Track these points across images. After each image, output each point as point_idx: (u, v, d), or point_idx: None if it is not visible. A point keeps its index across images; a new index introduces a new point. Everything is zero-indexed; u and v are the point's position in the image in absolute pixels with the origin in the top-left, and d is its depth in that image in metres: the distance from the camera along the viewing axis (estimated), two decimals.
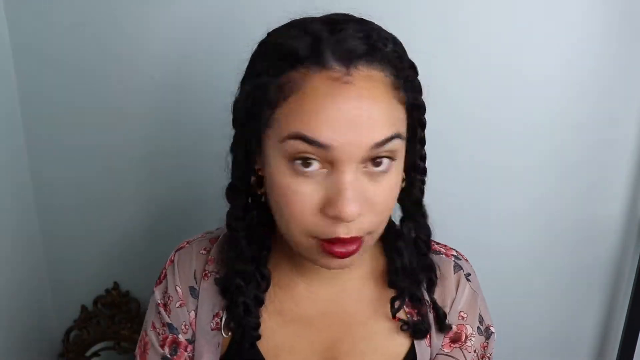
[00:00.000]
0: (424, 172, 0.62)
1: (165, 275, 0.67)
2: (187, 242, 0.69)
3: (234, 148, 0.60)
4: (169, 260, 0.68)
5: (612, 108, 0.97)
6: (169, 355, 0.65)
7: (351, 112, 0.48)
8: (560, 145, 1.00)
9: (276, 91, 0.51)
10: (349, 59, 0.49)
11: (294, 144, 0.50)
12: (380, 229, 0.56)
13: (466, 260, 0.69)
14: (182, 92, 1.05)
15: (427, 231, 0.64)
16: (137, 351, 0.68)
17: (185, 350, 0.65)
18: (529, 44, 0.95)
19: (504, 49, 0.95)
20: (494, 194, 1.04)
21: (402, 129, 0.52)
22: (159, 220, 1.16)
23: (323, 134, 0.48)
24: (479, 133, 1.00)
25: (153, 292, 0.68)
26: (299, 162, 0.50)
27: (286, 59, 0.51)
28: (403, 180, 0.59)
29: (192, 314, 0.65)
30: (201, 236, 0.70)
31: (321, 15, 0.56)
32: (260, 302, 0.63)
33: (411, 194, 0.61)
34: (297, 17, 0.56)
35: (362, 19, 0.55)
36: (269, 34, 0.56)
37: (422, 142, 0.61)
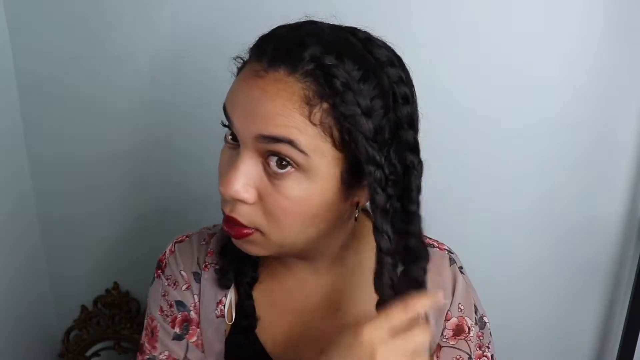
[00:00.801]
0: (418, 189, 0.57)
1: (167, 264, 0.69)
2: (186, 236, 0.71)
3: None
4: (168, 251, 0.70)
5: (611, 108, 0.97)
6: (180, 333, 0.66)
7: (248, 98, 0.52)
8: (559, 145, 1.00)
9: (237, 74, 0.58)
10: (273, 61, 0.52)
11: (224, 114, 0.56)
12: (276, 235, 0.55)
13: (456, 254, 0.71)
14: (182, 92, 1.05)
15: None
16: (144, 339, 0.69)
17: (198, 327, 0.67)
18: (528, 44, 0.95)
19: (503, 49, 0.95)
20: (494, 194, 1.04)
21: (301, 141, 0.51)
22: (159, 220, 1.16)
23: (230, 109, 0.54)
24: (478, 133, 1.00)
25: (154, 279, 0.70)
26: (228, 130, 0.56)
27: (249, 54, 0.57)
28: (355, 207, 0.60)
29: (196, 297, 0.67)
30: (199, 231, 0.72)
31: (320, 20, 0.57)
32: (254, 281, 0.66)
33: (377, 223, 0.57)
34: (294, 16, 0.58)
35: (365, 40, 0.55)
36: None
37: (377, 179, 0.54)
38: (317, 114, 0.51)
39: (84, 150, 1.12)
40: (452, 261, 0.68)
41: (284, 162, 0.52)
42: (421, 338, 0.50)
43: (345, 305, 0.66)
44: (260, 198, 0.53)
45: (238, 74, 0.57)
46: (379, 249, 0.55)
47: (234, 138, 0.55)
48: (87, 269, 1.22)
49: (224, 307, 0.66)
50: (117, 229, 1.18)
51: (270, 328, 0.66)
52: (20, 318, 1.16)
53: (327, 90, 0.51)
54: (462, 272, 0.68)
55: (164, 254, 0.70)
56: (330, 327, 0.65)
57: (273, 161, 0.52)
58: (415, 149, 0.56)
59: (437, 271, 0.66)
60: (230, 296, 0.67)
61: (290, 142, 0.51)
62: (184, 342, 0.66)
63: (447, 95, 0.98)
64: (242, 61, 0.58)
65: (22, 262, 1.16)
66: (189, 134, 1.08)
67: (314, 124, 0.51)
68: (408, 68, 0.59)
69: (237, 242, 0.58)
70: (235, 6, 0.98)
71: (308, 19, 0.57)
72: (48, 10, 1.03)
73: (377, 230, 0.55)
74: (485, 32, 0.95)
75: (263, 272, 0.67)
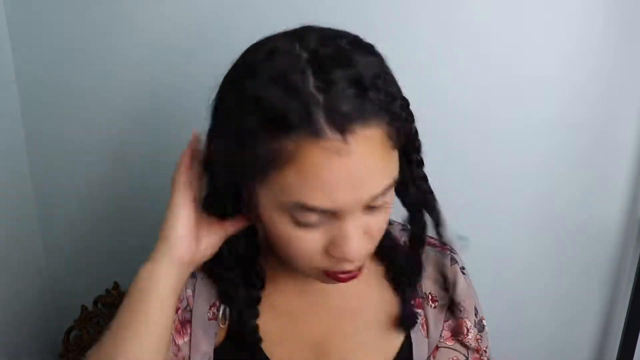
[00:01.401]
0: (430, 192, 0.62)
1: None
2: None
3: (215, 169, 0.60)
4: None
5: (611, 108, 0.97)
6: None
7: (351, 178, 0.48)
8: (559, 145, 1.00)
9: (267, 156, 0.49)
10: (344, 126, 0.47)
11: (295, 210, 0.50)
12: (374, 248, 0.58)
13: (458, 255, 0.71)
14: (182, 92, 1.05)
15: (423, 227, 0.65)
16: None
17: (180, 323, 0.66)
18: (528, 44, 0.95)
19: (503, 49, 0.95)
20: (494, 195, 1.04)
21: (397, 170, 0.53)
22: (159, 220, 1.15)
23: (324, 203, 0.49)
24: (477, 133, 1.00)
25: None
26: (301, 219, 0.51)
27: (275, 122, 0.48)
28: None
29: (189, 291, 0.66)
30: None
31: (298, 27, 0.53)
32: (257, 301, 0.64)
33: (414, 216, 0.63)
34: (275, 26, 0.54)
35: (359, 48, 0.52)
36: (249, 72, 0.51)
37: (420, 163, 0.61)
38: (395, 138, 0.51)
39: (84, 150, 1.12)
40: (453, 261, 0.68)
41: (379, 199, 0.52)
42: None
43: (344, 310, 0.66)
44: (367, 234, 0.54)
45: (283, 160, 0.48)
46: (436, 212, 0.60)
47: (307, 223, 0.51)
48: (87, 269, 1.22)
49: (217, 311, 0.66)
50: (117, 229, 1.18)
51: (264, 330, 0.65)
52: (20, 318, 1.16)
53: (391, 111, 0.50)
54: (463, 273, 0.68)
55: None
56: (328, 331, 0.65)
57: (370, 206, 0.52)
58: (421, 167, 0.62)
59: (439, 271, 0.67)
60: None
61: (394, 180, 0.52)
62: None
63: (445, 96, 0.98)
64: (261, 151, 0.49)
65: (22, 262, 1.16)
66: (190, 134, 1.07)
67: (396, 148, 0.52)
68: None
69: (340, 284, 0.57)
70: (235, 6, 0.98)
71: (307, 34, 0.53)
72: (48, 11, 1.03)
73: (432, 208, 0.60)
74: (485, 32, 0.95)
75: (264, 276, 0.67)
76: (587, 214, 1.03)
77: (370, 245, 0.55)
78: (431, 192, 0.62)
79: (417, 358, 0.65)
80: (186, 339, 0.65)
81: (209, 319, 0.66)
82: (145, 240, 1.17)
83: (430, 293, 0.67)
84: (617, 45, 0.93)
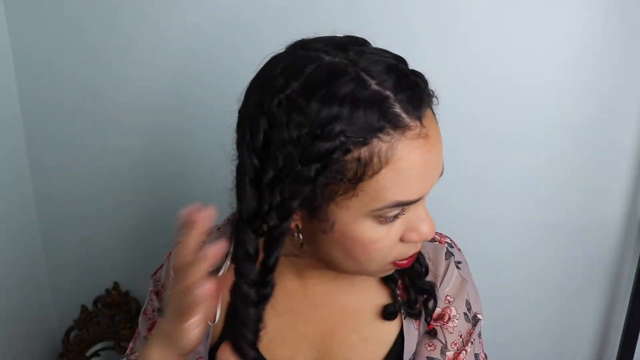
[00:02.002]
0: None
1: (162, 265, 0.70)
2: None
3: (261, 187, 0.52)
4: (167, 253, 0.71)
5: (611, 110, 0.97)
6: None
7: (434, 162, 0.51)
8: (560, 148, 1.00)
9: (358, 166, 0.47)
10: (418, 111, 0.49)
11: (389, 210, 0.50)
12: None
13: (459, 249, 0.71)
14: (182, 92, 1.05)
15: None
16: (135, 333, 0.69)
17: None
18: (528, 49, 0.94)
19: (504, 55, 0.95)
20: (494, 196, 1.04)
21: None
22: (159, 220, 1.16)
23: (421, 192, 0.51)
24: (478, 137, 1.00)
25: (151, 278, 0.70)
26: (382, 217, 0.51)
27: (360, 132, 0.46)
28: None
29: None
30: None
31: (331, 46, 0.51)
32: (259, 320, 0.57)
33: None
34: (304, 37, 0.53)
35: (385, 55, 0.52)
36: (303, 96, 0.47)
37: None
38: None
39: (84, 151, 1.12)
40: (448, 254, 0.68)
41: None
42: None
43: (345, 308, 0.66)
44: None
45: (380, 164, 0.47)
46: None
47: (388, 219, 0.51)
48: (87, 269, 1.22)
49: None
50: (117, 229, 1.18)
51: (265, 330, 0.62)
52: (20, 318, 1.16)
53: (430, 90, 0.54)
54: (458, 267, 0.68)
55: (165, 257, 0.71)
56: (330, 330, 0.65)
57: None
58: None
59: (434, 263, 0.68)
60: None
61: None
62: None
63: (444, 100, 0.97)
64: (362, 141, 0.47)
65: (22, 263, 1.16)
66: (189, 135, 1.08)
67: None
68: None
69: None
70: (238, 9, 0.98)
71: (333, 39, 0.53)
72: (49, 16, 1.03)
73: None
74: (485, 34, 0.95)
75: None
76: (587, 214, 1.03)
77: None
78: None
79: (408, 349, 0.65)
80: None
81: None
82: (145, 240, 1.17)
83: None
84: (618, 48, 0.93)
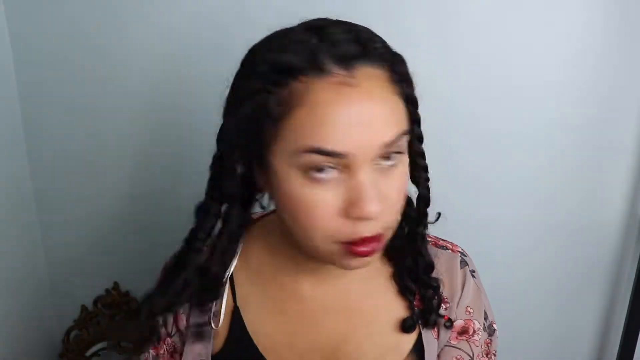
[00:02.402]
0: (425, 169, 0.63)
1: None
2: None
3: (218, 169, 0.61)
4: (168, 258, 0.71)
5: (611, 111, 0.97)
6: (155, 344, 0.67)
7: (361, 115, 0.49)
8: (560, 148, 1.00)
9: (278, 105, 0.50)
10: (348, 61, 0.49)
11: (308, 157, 0.49)
12: (394, 222, 0.56)
13: (469, 257, 0.70)
14: (181, 92, 1.05)
15: (424, 227, 0.65)
16: None
17: (168, 340, 0.66)
18: (528, 49, 0.95)
19: (504, 55, 0.95)
20: (495, 197, 1.04)
21: (406, 124, 0.53)
22: (159, 220, 1.16)
23: (338, 144, 0.48)
24: (478, 137, 1.00)
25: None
26: (313, 171, 0.50)
27: (283, 72, 0.50)
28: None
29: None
30: None
31: (299, 23, 0.55)
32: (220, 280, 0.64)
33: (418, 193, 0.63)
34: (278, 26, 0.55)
35: (342, 21, 0.54)
36: (252, 51, 0.55)
37: (420, 139, 0.61)
38: (399, 87, 0.52)
39: (84, 150, 1.12)
40: (463, 263, 0.67)
41: (391, 155, 0.52)
42: None
43: (358, 314, 0.65)
44: (382, 197, 0.52)
45: (293, 103, 0.49)
46: (424, 201, 0.60)
47: (320, 170, 0.50)
48: (87, 269, 1.22)
49: (210, 312, 0.65)
50: (117, 230, 1.18)
51: (272, 336, 0.64)
52: (20, 318, 1.16)
53: (393, 60, 0.53)
54: (473, 276, 0.67)
55: (164, 264, 0.71)
56: (341, 335, 0.64)
57: (383, 159, 0.51)
58: (422, 143, 0.62)
59: (448, 272, 0.66)
60: (221, 302, 0.65)
61: (405, 132, 0.52)
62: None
63: (445, 100, 0.98)
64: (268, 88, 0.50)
65: (22, 262, 1.16)
66: (188, 135, 1.08)
67: (402, 99, 0.53)
68: None
69: (362, 261, 0.54)
70: (240, 6, 0.98)
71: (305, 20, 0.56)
72: (48, 12, 1.03)
73: (424, 183, 0.60)
74: (485, 34, 0.95)
75: (275, 280, 0.66)
76: (587, 214, 1.03)
77: (389, 213, 0.53)
78: (426, 171, 0.63)
79: (428, 359, 0.64)
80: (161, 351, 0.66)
81: (205, 324, 0.65)
82: (145, 240, 1.17)
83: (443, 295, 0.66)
84: (618, 48, 0.93)
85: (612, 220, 1.03)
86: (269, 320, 0.64)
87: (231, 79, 0.56)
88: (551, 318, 1.11)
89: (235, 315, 0.65)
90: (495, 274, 1.07)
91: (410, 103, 0.55)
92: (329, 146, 0.48)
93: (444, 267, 0.66)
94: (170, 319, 0.66)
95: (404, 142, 0.52)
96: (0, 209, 1.09)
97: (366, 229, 0.51)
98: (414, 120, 0.57)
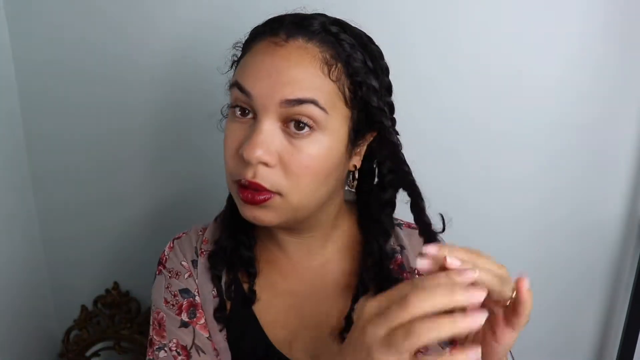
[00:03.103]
0: (395, 159, 0.64)
1: (168, 259, 0.71)
2: (183, 233, 0.74)
3: None
4: (167, 248, 0.73)
5: (611, 111, 0.97)
6: (187, 320, 0.68)
7: (273, 67, 0.57)
8: (560, 148, 1.00)
9: (242, 52, 0.63)
10: (291, 32, 0.58)
11: (233, 91, 0.59)
12: (295, 195, 0.59)
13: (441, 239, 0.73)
14: (181, 93, 1.05)
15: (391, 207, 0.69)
16: (152, 333, 0.69)
17: (203, 312, 0.68)
18: (528, 49, 0.94)
19: (503, 55, 0.95)
20: (494, 197, 1.04)
21: (323, 100, 0.57)
22: (159, 220, 1.16)
23: (248, 82, 0.57)
24: (478, 137, 1.00)
25: (155, 277, 0.71)
26: (236, 108, 0.60)
27: (256, 32, 0.62)
28: (356, 178, 0.67)
29: (197, 281, 0.69)
30: (193, 228, 0.75)
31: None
32: (250, 260, 0.69)
33: (382, 181, 0.67)
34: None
35: (337, 19, 0.62)
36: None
37: (383, 127, 0.63)
38: (335, 72, 0.58)
39: (83, 151, 1.12)
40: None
41: (302, 124, 0.57)
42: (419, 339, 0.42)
43: (337, 289, 0.68)
44: (281, 160, 0.57)
45: (245, 52, 0.61)
46: (408, 181, 0.62)
47: (243, 113, 0.59)
48: (87, 269, 1.22)
49: (221, 287, 0.69)
50: (117, 230, 1.18)
51: (268, 309, 0.68)
52: (20, 318, 1.16)
53: (340, 51, 0.59)
54: None
55: (164, 253, 0.73)
56: (325, 308, 0.67)
57: (293, 124, 0.57)
58: (392, 111, 0.66)
59: (413, 247, 0.70)
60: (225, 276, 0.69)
61: (314, 102, 0.56)
62: (190, 329, 0.67)
63: (445, 99, 0.98)
64: (240, 45, 0.64)
65: (22, 263, 1.16)
66: (186, 138, 1.08)
67: (333, 81, 0.58)
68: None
69: (251, 211, 0.60)
70: (238, 5, 0.98)
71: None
72: (49, 16, 1.03)
73: (400, 161, 0.62)
74: (485, 34, 0.95)
75: (260, 258, 0.70)
76: (587, 214, 1.03)
77: (282, 177, 0.58)
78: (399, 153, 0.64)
79: None
80: (201, 321, 0.68)
81: (214, 297, 0.68)
82: (146, 240, 1.17)
83: (416, 269, 0.68)
84: (618, 48, 0.93)
85: (612, 220, 1.03)
86: (263, 295, 0.69)
87: None
88: (551, 318, 1.11)
89: (236, 285, 0.70)
90: None
91: (358, 88, 0.60)
92: (242, 81, 0.58)
93: (407, 241, 0.71)
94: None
95: (316, 115, 0.57)
96: (0, 209, 1.09)
97: (248, 173, 0.58)
98: (362, 105, 0.61)
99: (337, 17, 0.63)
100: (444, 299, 0.41)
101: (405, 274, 0.69)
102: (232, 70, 0.65)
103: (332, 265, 0.69)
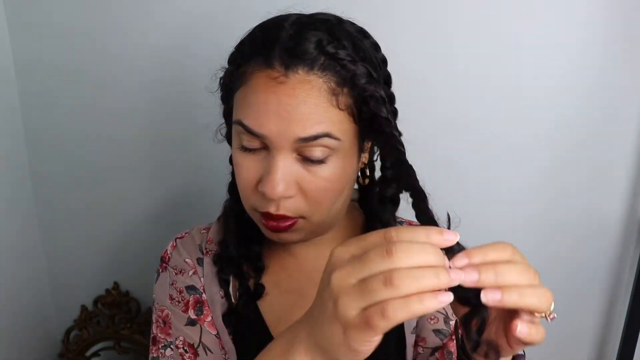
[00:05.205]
0: (400, 164, 0.60)
1: (170, 257, 0.71)
2: (186, 232, 0.74)
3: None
4: (169, 247, 0.72)
5: (611, 111, 0.97)
6: (195, 317, 0.67)
7: (280, 106, 0.55)
8: (560, 149, 1.00)
9: (235, 80, 0.59)
10: (288, 63, 0.55)
11: (238, 128, 0.58)
12: (317, 215, 0.60)
13: None
14: (180, 93, 1.05)
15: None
16: (156, 331, 0.69)
17: (210, 310, 0.68)
18: (528, 49, 0.94)
19: (503, 58, 0.95)
20: (494, 197, 1.04)
21: (335, 130, 0.56)
22: (159, 220, 1.16)
23: (255, 124, 0.56)
24: (477, 139, 1.00)
25: (158, 275, 0.71)
26: (244, 140, 0.58)
27: (245, 53, 0.59)
28: (367, 176, 0.67)
29: (203, 280, 0.69)
30: (195, 227, 0.75)
31: (310, 13, 0.60)
32: (258, 258, 0.69)
33: (385, 187, 0.67)
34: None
35: (338, 21, 0.60)
36: (256, 26, 0.62)
37: (388, 141, 0.60)
38: (342, 100, 0.56)
39: (83, 152, 1.12)
40: None
41: (312, 152, 0.56)
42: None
43: None
44: (300, 188, 0.58)
45: (240, 83, 0.58)
46: (411, 181, 0.57)
47: (248, 148, 0.58)
48: (87, 269, 1.22)
49: (228, 287, 0.69)
50: (117, 230, 1.18)
51: (273, 307, 0.68)
52: (20, 318, 1.16)
53: (344, 74, 0.56)
54: None
55: (166, 251, 0.72)
56: None
57: (307, 154, 0.56)
58: (393, 102, 0.64)
59: None
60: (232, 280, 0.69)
61: (328, 135, 0.56)
62: (197, 327, 0.67)
63: (445, 104, 0.98)
64: (229, 71, 0.61)
65: (22, 262, 1.16)
66: (185, 138, 1.08)
67: (342, 110, 0.56)
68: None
69: (277, 235, 0.61)
70: (235, 2, 0.98)
71: (277, 15, 0.61)
72: (49, 15, 1.03)
73: (402, 161, 0.59)
74: (485, 34, 0.95)
75: (266, 255, 0.70)
76: (587, 214, 1.03)
77: (303, 203, 0.58)
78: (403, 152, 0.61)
79: (407, 325, 0.68)
80: (208, 318, 0.68)
81: (221, 297, 0.68)
82: (145, 240, 1.17)
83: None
84: (618, 49, 0.93)
85: (612, 220, 1.03)
86: (269, 292, 0.68)
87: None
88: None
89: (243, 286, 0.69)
90: None
91: (366, 104, 0.58)
92: (248, 124, 0.56)
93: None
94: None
95: (331, 144, 0.56)
96: (1, 209, 1.09)
97: (270, 207, 0.58)
98: (373, 122, 0.59)
99: (329, 11, 0.61)
100: (429, 257, 0.39)
101: None
102: (219, 88, 0.65)
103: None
